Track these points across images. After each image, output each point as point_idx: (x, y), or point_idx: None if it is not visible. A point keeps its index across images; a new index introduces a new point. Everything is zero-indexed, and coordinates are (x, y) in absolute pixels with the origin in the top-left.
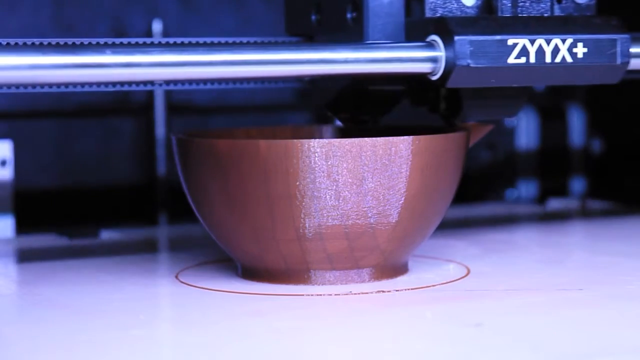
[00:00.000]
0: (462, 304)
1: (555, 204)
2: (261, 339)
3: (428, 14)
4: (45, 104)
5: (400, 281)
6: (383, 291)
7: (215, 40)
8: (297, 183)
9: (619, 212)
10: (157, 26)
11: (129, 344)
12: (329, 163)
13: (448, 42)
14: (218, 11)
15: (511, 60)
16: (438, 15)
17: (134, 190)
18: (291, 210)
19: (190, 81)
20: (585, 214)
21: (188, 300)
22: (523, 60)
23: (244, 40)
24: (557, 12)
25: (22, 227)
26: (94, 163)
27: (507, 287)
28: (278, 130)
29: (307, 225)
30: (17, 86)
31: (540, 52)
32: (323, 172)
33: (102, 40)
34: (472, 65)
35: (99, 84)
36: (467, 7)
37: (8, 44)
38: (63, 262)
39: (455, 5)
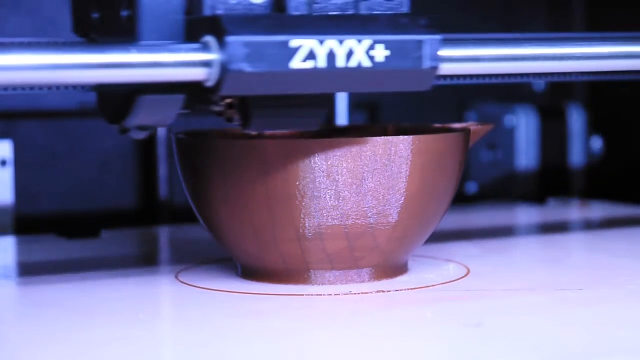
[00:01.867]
0: (462, 304)
1: (555, 203)
2: (261, 339)
3: (207, 11)
4: (45, 104)
5: (400, 281)
6: (383, 291)
7: None
8: (297, 183)
9: (619, 212)
10: None
11: (129, 344)
12: (329, 163)
13: (221, 43)
14: None
15: (295, 64)
16: (218, 13)
17: (134, 190)
18: (291, 210)
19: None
20: (585, 214)
21: (188, 300)
22: (310, 64)
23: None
24: (363, 10)
25: (22, 227)
26: (94, 163)
27: (507, 287)
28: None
29: (307, 225)
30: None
31: (331, 55)
32: (323, 172)
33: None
34: (247, 70)
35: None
36: (256, 5)
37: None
38: (63, 263)
39: (240, 2)
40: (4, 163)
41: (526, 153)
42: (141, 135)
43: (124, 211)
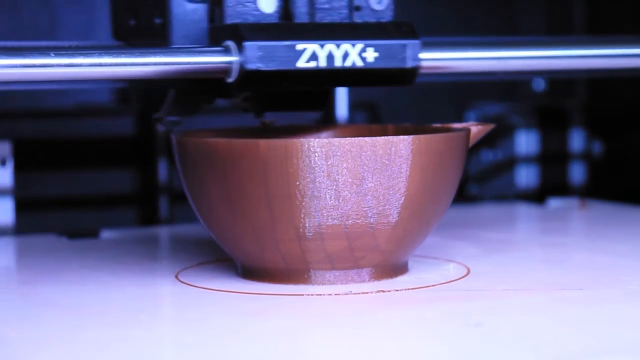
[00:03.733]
0: (462, 304)
1: (555, 203)
2: (261, 339)
3: (227, 20)
4: (45, 104)
5: (400, 281)
6: (383, 291)
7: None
8: (297, 183)
9: (619, 212)
10: None
11: (129, 344)
12: (329, 163)
13: (240, 47)
14: None
15: (301, 64)
16: (236, 22)
17: (134, 190)
18: (291, 210)
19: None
20: (585, 214)
21: (188, 300)
22: (313, 64)
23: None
24: (356, 19)
25: (22, 227)
26: (94, 163)
27: (507, 287)
28: (278, 130)
29: (307, 225)
30: None
31: (330, 56)
32: (323, 172)
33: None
34: (262, 68)
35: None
36: (267, 14)
37: None
38: (63, 262)
39: (254, 13)
40: (4, 163)
41: (526, 153)
42: (173, 123)
43: (124, 211)
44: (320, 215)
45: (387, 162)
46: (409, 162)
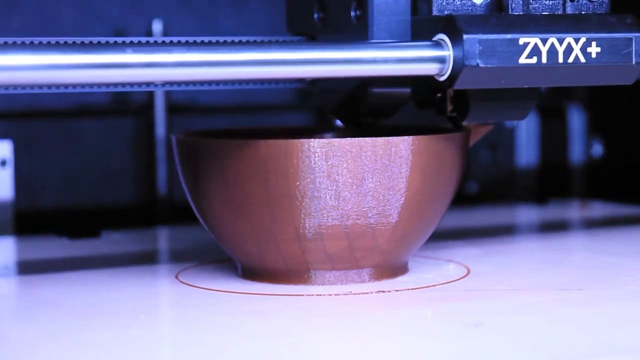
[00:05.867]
0: (462, 304)
1: (555, 204)
2: (261, 339)
3: (435, 12)
4: (45, 104)
5: (400, 281)
6: (383, 291)
7: (213, 39)
8: (297, 183)
9: (619, 212)
10: (157, 26)
11: (129, 344)
12: (329, 163)
13: (456, 41)
14: (218, 11)
15: (522, 60)
16: (446, 13)
17: (134, 190)
18: (291, 210)
19: (195, 82)
20: (585, 214)
21: (188, 300)
22: (534, 60)
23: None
24: (569, 9)
25: (22, 227)
26: (94, 163)
27: (507, 287)
28: (278, 130)
29: (307, 225)
30: (33, 87)
31: (552, 51)
32: (323, 172)
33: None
34: (481, 65)
35: (123, 84)
36: (476, 5)
37: (22, 42)
38: (63, 262)
39: (464, 3)
40: (4, 163)
41: (526, 153)
42: (365, 124)
43: (124, 211)
44: (320, 215)
45: (387, 163)
46: (409, 162)
